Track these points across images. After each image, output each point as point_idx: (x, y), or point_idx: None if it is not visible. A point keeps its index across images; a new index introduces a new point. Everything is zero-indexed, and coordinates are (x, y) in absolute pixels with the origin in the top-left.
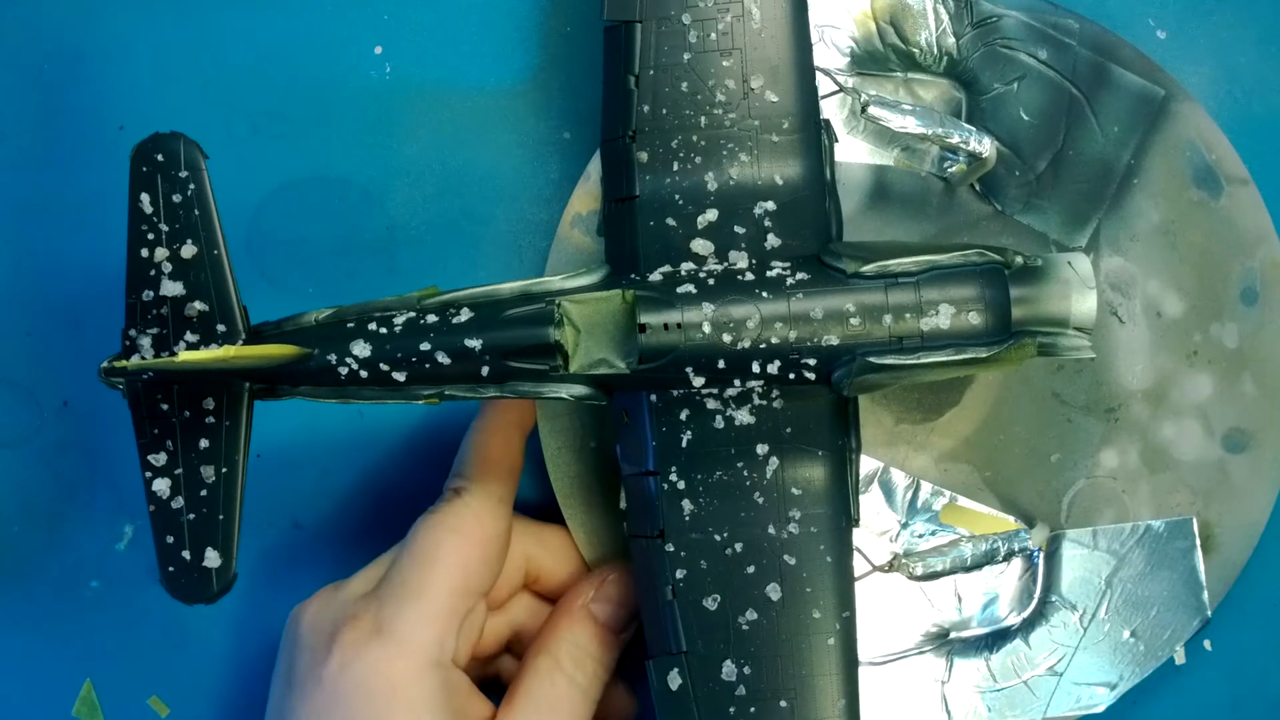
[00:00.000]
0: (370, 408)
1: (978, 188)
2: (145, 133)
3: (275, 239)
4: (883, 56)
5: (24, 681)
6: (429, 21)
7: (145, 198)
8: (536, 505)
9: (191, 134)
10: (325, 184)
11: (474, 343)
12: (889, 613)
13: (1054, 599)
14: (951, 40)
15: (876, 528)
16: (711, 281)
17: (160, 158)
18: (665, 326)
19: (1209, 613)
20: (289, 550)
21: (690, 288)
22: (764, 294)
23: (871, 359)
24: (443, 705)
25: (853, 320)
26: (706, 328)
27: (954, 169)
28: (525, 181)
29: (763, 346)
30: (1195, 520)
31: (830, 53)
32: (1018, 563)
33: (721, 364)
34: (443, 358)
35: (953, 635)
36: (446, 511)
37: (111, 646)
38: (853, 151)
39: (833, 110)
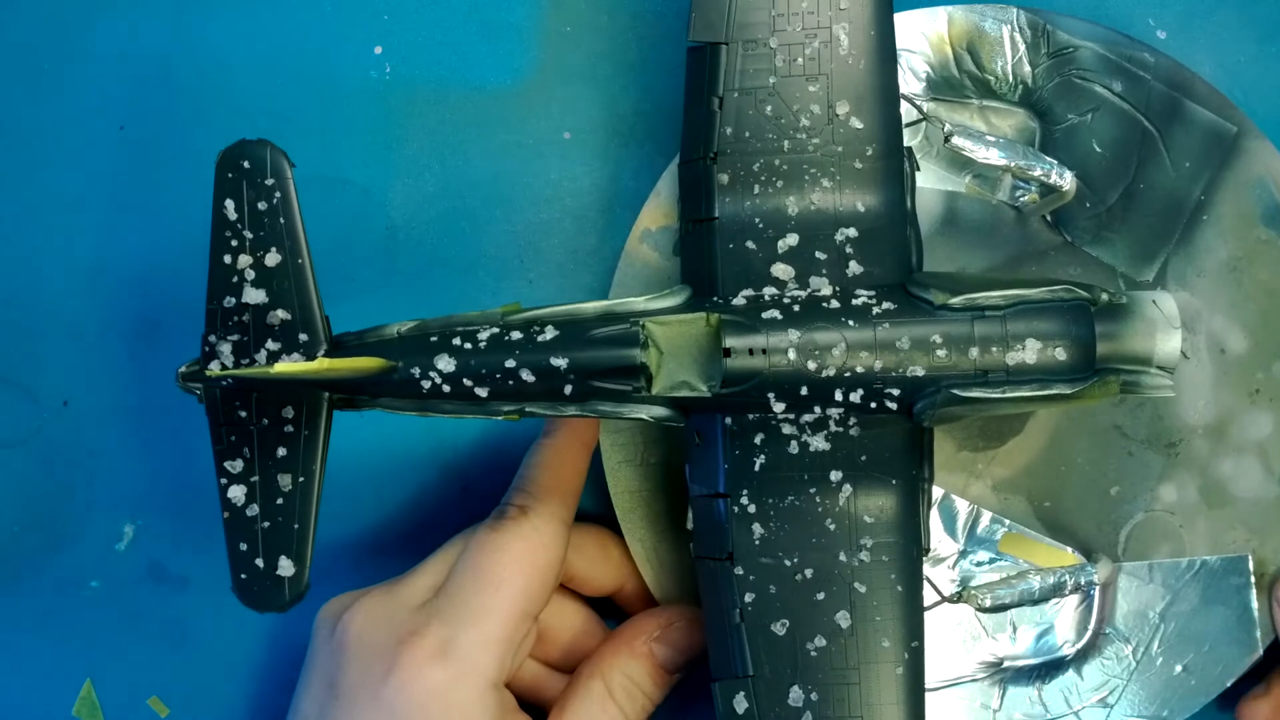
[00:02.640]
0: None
1: (1048, 218)
2: (146, 133)
3: None
4: (958, 83)
5: (24, 681)
6: (429, 21)
7: (230, 204)
8: (593, 518)
9: (191, 134)
10: (325, 184)
11: (559, 361)
12: (945, 640)
13: (1108, 631)
14: (1027, 69)
15: (935, 554)
16: (796, 307)
17: (246, 164)
18: (750, 351)
19: (1261, 650)
20: None
21: (775, 313)
22: (850, 322)
23: (956, 391)
24: None
25: (939, 352)
26: (791, 354)
27: (1026, 198)
28: (525, 181)
29: (847, 375)
30: (1250, 557)
31: (905, 77)
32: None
33: (804, 390)
34: (527, 375)
35: (1006, 664)
36: (513, 533)
37: (111, 646)
38: (924, 177)
39: (904, 136)
